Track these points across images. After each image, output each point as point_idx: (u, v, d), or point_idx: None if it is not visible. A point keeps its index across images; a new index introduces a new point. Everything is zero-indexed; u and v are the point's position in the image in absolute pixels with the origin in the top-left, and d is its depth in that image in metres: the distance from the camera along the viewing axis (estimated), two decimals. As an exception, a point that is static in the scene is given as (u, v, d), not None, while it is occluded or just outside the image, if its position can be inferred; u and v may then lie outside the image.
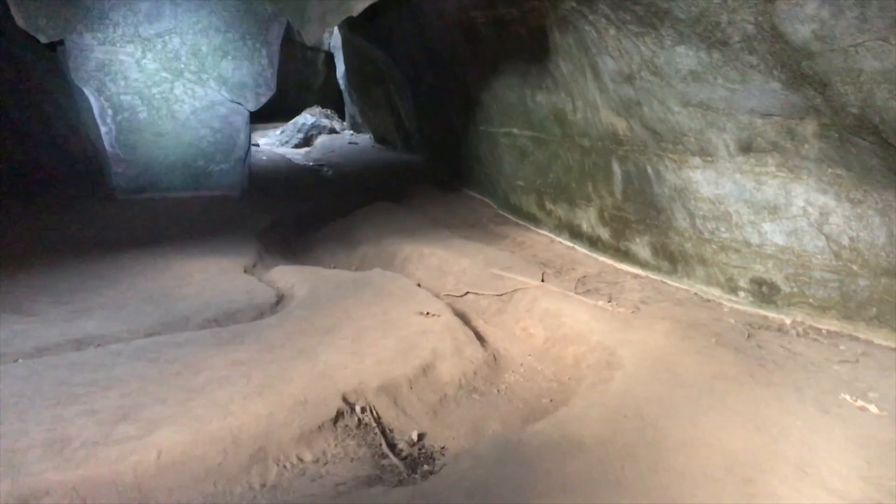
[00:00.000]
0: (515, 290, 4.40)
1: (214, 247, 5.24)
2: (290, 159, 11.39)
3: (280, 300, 4.20)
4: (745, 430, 2.62)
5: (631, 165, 4.36)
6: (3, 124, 7.25)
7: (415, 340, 3.49)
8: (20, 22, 5.47)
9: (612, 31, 3.68)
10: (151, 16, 6.09)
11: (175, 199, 6.82)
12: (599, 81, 4.27)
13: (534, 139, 5.61)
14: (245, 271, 4.77)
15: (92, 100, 6.23)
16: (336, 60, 14.16)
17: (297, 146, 12.92)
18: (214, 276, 4.52)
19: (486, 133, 6.44)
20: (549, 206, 5.62)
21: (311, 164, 11.06)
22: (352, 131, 13.74)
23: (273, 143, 13.02)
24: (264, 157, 10.84)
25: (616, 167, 4.53)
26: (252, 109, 6.80)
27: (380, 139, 12.28)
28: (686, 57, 3.41)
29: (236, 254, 5.11)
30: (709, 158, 3.71)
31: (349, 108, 13.94)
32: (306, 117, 13.46)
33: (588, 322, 3.78)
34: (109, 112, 6.31)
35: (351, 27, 9.66)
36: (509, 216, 6.37)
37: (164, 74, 6.39)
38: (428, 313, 3.87)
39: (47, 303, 3.91)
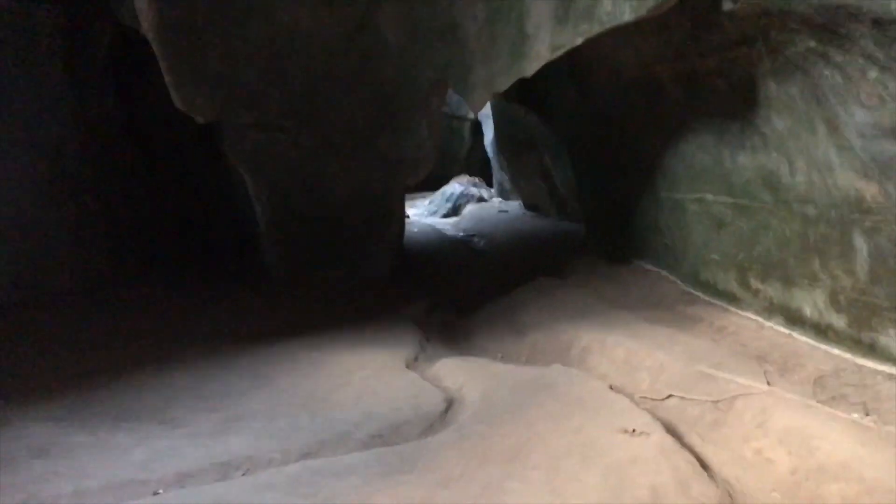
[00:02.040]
0: (736, 396, 3.55)
1: (372, 336, 4.77)
2: (439, 230, 11.07)
3: (449, 406, 3.59)
4: None
5: (883, 239, 3.45)
6: (158, 202, 7.31)
7: (625, 473, 2.75)
8: (178, 103, 5.37)
9: (874, 74, 2.88)
10: (307, 91, 5.85)
11: (328, 281, 6.48)
12: (837, 137, 3.43)
13: (734, 206, 4.78)
14: (407, 366, 4.23)
15: (248, 180, 6.05)
16: (484, 127, 13.96)
17: (445, 216, 12.65)
18: (375, 374, 4.00)
19: (669, 199, 5.67)
20: (754, 284, 4.74)
21: (461, 234, 10.68)
22: (500, 199, 13.32)
23: (422, 213, 12.82)
24: (415, 229, 10.54)
25: (859, 241, 3.63)
26: (410, 184, 6.41)
27: (531, 206, 11.78)
28: None
29: (396, 344, 4.61)
30: None
31: (497, 175, 13.59)
32: (455, 186, 13.20)
33: (852, 447, 2.89)
34: (265, 192, 6.11)
35: (503, 92, 9.27)
36: (699, 294, 5.49)
37: (319, 151, 6.13)
38: (633, 431, 3.12)
39: (194, 409, 3.51)
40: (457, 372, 4.03)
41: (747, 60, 3.96)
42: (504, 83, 4.80)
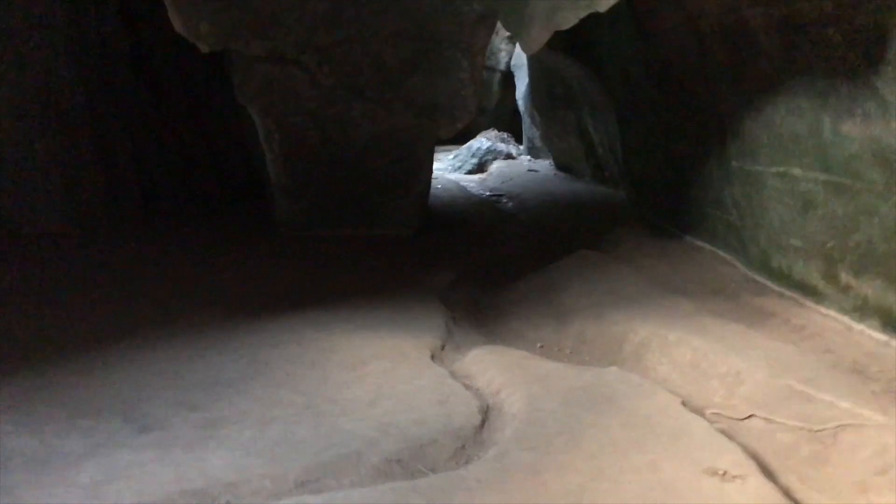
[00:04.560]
0: (842, 426, 2.85)
1: (391, 313, 4.09)
2: (464, 187, 10.36)
3: (485, 417, 2.90)
4: None
5: None
6: (162, 139, 6.61)
7: (723, 540, 2.07)
8: (179, 27, 4.63)
9: None
10: (329, 19, 5.03)
11: (344, 238, 5.82)
12: None
13: (829, 185, 4.01)
14: (432, 356, 3.54)
15: (257, 121, 5.32)
16: (516, 79, 13.13)
17: (470, 172, 11.92)
18: (394, 367, 3.32)
19: (741, 170, 4.89)
20: (845, 278, 3.99)
21: (487, 193, 9.96)
22: (530, 157, 12.54)
23: (445, 168, 12.07)
24: (438, 186, 9.81)
25: None
26: (444, 137, 5.65)
27: (563, 167, 11.02)
28: None
29: (419, 326, 3.93)
30: None
31: (528, 131, 12.79)
32: (481, 141, 12.41)
33: None
34: (276, 136, 5.38)
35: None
36: (768, 283, 4.75)
37: (340, 93, 5.36)
38: (724, 473, 2.44)
39: (171, 404, 2.85)
40: (492, 369, 3.34)
41: (879, 4, 3.16)
42: (570, 19, 4.00)
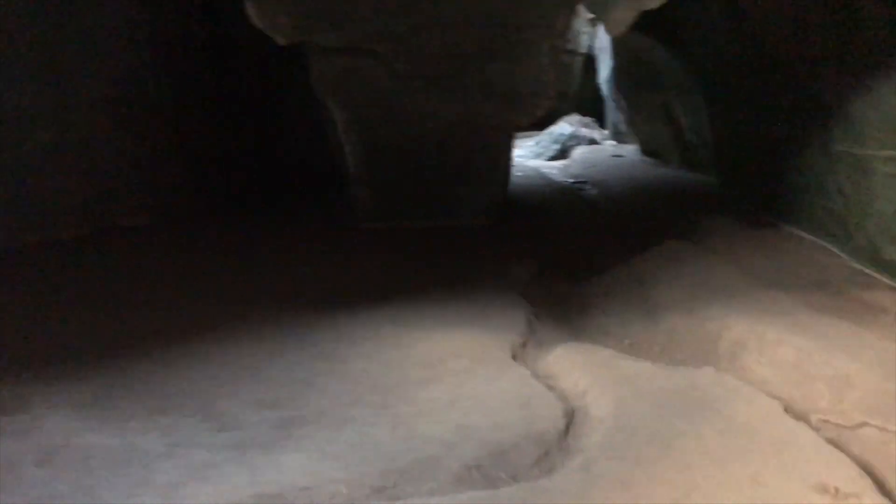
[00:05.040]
0: (971, 440, 2.57)
1: (469, 307, 3.97)
2: (546, 174, 10.12)
3: (570, 421, 2.75)
4: None
5: None
6: (243, 133, 6.69)
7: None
8: (256, 20, 4.62)
9: None
10: (404, 6, 4.92)
11: (422, 229, 5.73)
12: None
13: (950, 169, 3.65)
14: (513, 355, 3.40)
15: (335, 113, 5.29)
16: (598, 62, 12.75)
17: (552, 158, 11.66)
18: (473, 365, 3.20)
19: (847, 155, 4.53)
20: (968, 272, 3.64)
21: (570, 180, 9.69)
22: (614, 142, 12.18)
23: (526, 155, 11.85)
24: (519, 173, 9.61)
25: None
26: (524, 125, 5.48)
27: (649, 152, 10.63)
28: None
29: (499, 322, 3.78)
30: None
31: (612, 115, 12.42)
32: (564, 127, 12.12)
33: None
34: (354, 127, 5.34)
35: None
36: (877, 276, 4.40)
37: (417, 82, 5.25)
38: (836, 490, 2.21)
39: (249, 402, 2.82)
40: (577, 369, 3.18)
41: None
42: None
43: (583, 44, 14.45)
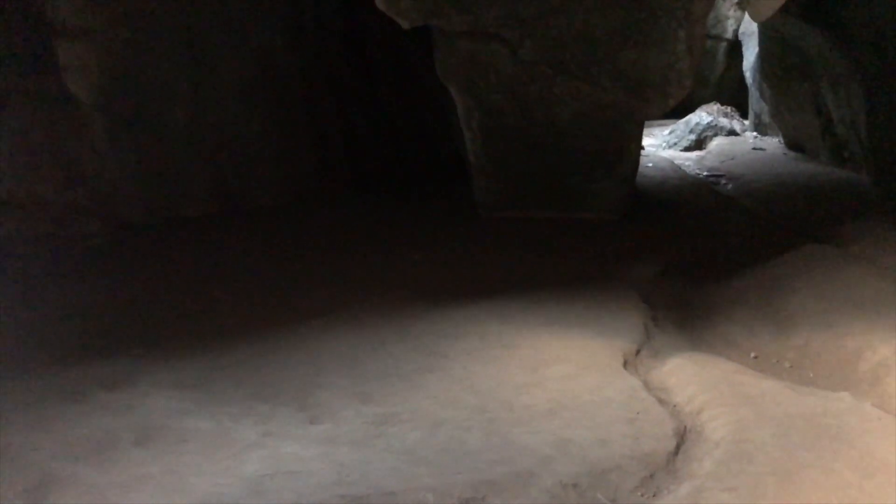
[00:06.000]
0: None
1: (583, 310, 3.78)
2: (678, 166, 9.63)
3: (681, 442, 2.53)
4: None
5: None
6: (373, 118, 6.74)
7: None
8: (379, 3, 4.59)
9: None
10: (533, -11, 4.75)
11: (542, 221, 5.56)
12: None
13: None
14: (625, 363, 3.20)
15: (457, 99, 5.20)
16: (744, 48, 11.99)
17: (687, 149, 11.06)
18: (579, 373, 3.03)
19: None
20: None
21: (704, 173, 9.17)
22: (756, 134, 11.41)
23: (659, 144, 11.33)
24: (650, 164, 9.20)
25: None
26: (655, 115, 5.16)
27: (794, 145, 9.89)
28: None
29: (612, 326, 3.58)
30: None
31: (755, 105, 11.64)
32: (701, 116, 11.47)
33: None
34: (476, 114, 5.22)
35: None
36: None
37: (543, 68, 5.06)
38: None
39: (344, 394, 2.80)
40: (694, 383, 2.93)
41: None
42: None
43: (729, 28, 13.67)
